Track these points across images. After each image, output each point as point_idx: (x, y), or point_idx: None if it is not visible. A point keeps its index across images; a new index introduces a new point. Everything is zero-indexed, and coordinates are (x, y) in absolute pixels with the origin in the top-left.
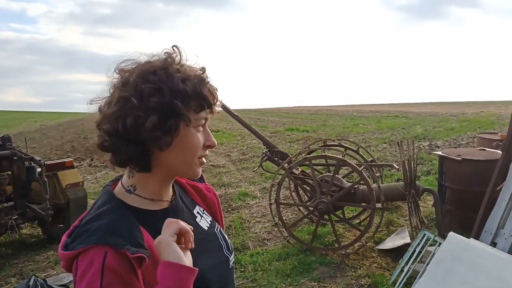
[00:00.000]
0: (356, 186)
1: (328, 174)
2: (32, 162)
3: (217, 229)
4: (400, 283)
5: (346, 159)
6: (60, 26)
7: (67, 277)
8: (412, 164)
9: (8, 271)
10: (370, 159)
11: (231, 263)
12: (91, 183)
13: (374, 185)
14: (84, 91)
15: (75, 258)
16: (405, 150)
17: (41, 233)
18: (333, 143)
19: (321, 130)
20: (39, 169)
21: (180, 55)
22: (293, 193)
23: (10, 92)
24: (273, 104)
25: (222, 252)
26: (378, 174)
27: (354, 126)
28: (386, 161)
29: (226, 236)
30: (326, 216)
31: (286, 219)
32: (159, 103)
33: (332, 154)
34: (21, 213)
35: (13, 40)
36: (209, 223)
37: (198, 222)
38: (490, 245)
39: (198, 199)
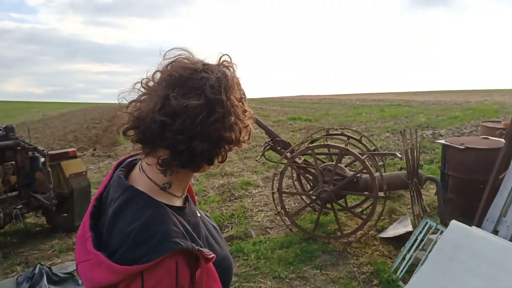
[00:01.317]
0: (358, 175)
1: (330, 163)
2: (35, 152)
3: (205, 214)
4: (402, 270)
5: (348, 148)
6: (61, 15)
7: (72, 265)
8: (415, 152)
9: (14, 260)
10: (372, 148)
11: None
12: (94, 172)
13: (376, 174)
14: (86, 81)
15: (141, 271)
16: (408, 139)
17: (45, 222)
18: (335, 132)
19: (324, 119)
20: (42, 159)
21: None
22: (295, 182)
23: (12, 83)
24: (275, 93)
25: (221, 234)
26: (381, 163)
27: (357, 115)
28: (389, 150)
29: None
30: (328, 205)
31: (288, 208)
32: (248, 111)
33: (335, 143)
34: (25, 202)
35: (13, 30)
36: (198, 209)
37: (196, 210)
38: (492, 233)
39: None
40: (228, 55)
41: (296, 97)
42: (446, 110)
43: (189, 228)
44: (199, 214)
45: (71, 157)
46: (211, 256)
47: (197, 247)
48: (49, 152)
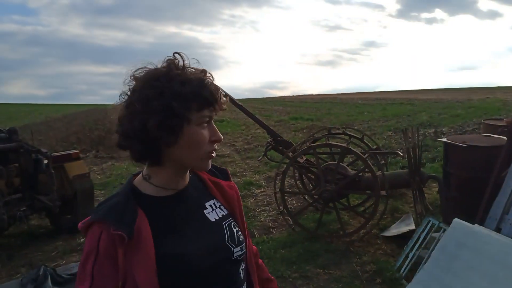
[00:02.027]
0: (360, 174)
1: (332, 162)
2: (38, 154)
3: (226, 223)
4: (405, 269)
5: (350, 147)
6: (62, 17)
7: (76, 267)
8: (417, 151)
9: (18, 261)
10: (374, 147)
11: (235, 254)
12: (97, 174)
13: (379, 173)
14: (89, 83)
15: (82, 231)
16: (410, 138)
17: (49, 224)
18: (337, 131)
19: (326, 119)
20: (45, 161)
21: (183, 60)
22: (297, 182)
23: (14, 85)
24: (277, 93)
25: (223, 242)
26: (383, 161)
27: (359, 114)
28: (391, 149)
29: (235, 229)
30: (331, 204)
31: (291, 207)
32: (160, 105)
33: (337, 142)
34: (29, 204)
35: (16, 33)
36: (220, 216)
37: (206, 213)
38: (494, 230)
39: (217, 194)
40: (178, 53)
41: (297, 97)
42: (448, 108)
43: (137, 213)
44: (214, 218)
45: (74, 159)
46: (115, 232)
47: (112, 224)
48: (52, 154)
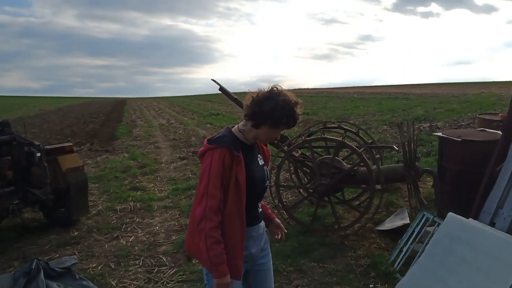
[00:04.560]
0: (355, 168)
1: (328, 156)
2: (31, 147)
3: (264, 167)
4: (399, 263)
5: (346, 141)
6: (55, 9)
7: (69, 260)
8: (412, 145)
9: (11, 255)
10: (370, 141)
11: (266, 184)
12: (92, 167)
13: (374, 167)
14: (83, 75)
15: (209, 150)
16: (405, 132)
17: (42, 217)
18: (333, 125)
19: (322, 113)
20: (38, 154)
21: (281, 88)
22: (293, 176)
23: (8, 77)
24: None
25: (264, 174)
26: (378, 156)
27: (355, 108)
28: (386, 143)
29: (267, 172)
30: (326, 198)
31: (286, 201)
32: (269, 110)
33: (332, 136)
34: (22, 197)
35: (9, 24)
36: (262, 163)
37: (258, 159)
38: (489, 225)
39: (261, 152)
40: (278, 85)
41: (293, 91)
42: (444, 103)
43: (236, 143)
44: (261, 164)
45: (67, 152)
46: (237, 154)
47: (234, 149)
48: (45, 147)
